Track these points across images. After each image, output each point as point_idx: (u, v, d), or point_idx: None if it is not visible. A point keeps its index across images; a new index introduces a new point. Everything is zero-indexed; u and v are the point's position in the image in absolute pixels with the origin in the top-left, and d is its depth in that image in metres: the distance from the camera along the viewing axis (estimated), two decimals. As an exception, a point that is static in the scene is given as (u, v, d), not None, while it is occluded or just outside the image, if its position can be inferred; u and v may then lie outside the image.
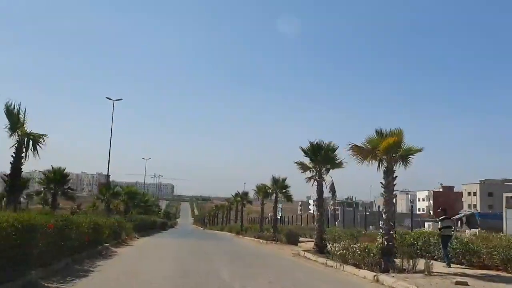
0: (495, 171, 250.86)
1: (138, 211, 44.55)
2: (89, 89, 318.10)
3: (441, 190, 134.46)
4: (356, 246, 13.93)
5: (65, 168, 30.45)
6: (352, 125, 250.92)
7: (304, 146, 19.81)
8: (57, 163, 23.41)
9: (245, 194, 47.07)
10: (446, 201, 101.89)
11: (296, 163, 20.22)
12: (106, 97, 47.95)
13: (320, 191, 19.46)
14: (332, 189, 17.16)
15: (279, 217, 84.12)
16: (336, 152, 19.38)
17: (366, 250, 13.25)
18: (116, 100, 48.22)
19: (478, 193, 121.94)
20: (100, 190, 32.55)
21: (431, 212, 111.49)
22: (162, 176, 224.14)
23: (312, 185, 19.59)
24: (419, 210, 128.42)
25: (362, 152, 13.78)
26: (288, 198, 30.90)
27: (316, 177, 19.52)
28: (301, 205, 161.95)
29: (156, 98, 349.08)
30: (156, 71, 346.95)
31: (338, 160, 19.38)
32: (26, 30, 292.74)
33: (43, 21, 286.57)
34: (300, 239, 27.36)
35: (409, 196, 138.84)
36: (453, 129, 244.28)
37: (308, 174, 19.88)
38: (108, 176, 48.62)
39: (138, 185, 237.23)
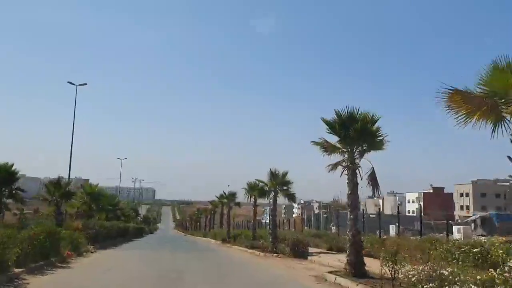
0: (482, 171, 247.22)
1: (106, 216, 37.71)
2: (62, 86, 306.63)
3: (431, 191, 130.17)
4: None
5: (12, 165, 24.04)
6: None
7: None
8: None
9: (232, 194, 40.36)
10: (438, 202, 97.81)
11: (315, 143, 13.70)
12: (68, 82, 41.44)
13: (353, 184, 12.94)
14: (373, 180, 11.41)
15: (264, 221, 78.03)
16: (377, 125, 13.03)
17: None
18: (79, 85, 41.40)
19: (470, 194, 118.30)
20: (47, 190, 25.46)
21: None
22: (143, 180, 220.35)
23: (341, 174, 13.10)
24: (408, 212, 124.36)
25: (471, 101, 7.33)
26: (291, 197, 24.29)
27: (347, 163, 13.04)
28: (285, 208, 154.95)
29: (138, 100, 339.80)
30: (136, 71, 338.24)
31: (380, 138, 13.06)
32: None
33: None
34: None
35: (397, 197, 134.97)
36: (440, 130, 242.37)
37: (333, 158, 13.47)
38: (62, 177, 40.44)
39: (120, 188, 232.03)
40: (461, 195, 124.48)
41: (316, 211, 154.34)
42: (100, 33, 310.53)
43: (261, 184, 26.51)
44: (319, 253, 21.58)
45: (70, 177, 33.60)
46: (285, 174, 23.79)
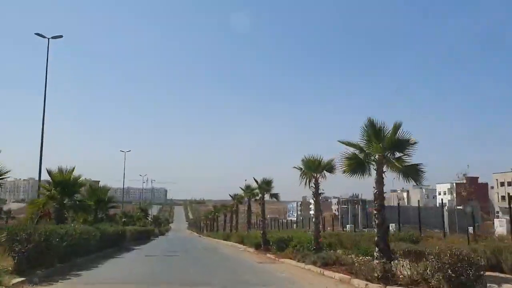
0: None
1: (93, 218, 26.45)
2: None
3: (464, 181, 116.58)
4: None
5: None
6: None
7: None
8: None
9: (268, 182, 28.74)
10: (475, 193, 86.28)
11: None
12: (35, 33, 30.07)
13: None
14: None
15: (289, 220, 66.27)
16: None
17: None
18: (52, 37, 30.11)
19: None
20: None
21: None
22: (154, 180, 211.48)
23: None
24: (439, 205, 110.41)
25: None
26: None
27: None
28: (300, 205, 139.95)
29: (151, 99, 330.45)
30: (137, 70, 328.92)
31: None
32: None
33: None
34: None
35: (423, 190, 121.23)
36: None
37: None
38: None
39: (131, 190, 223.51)
40: (502, 184, 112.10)
41: (335, 207, 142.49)
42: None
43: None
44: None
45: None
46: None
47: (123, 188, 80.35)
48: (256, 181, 29.93)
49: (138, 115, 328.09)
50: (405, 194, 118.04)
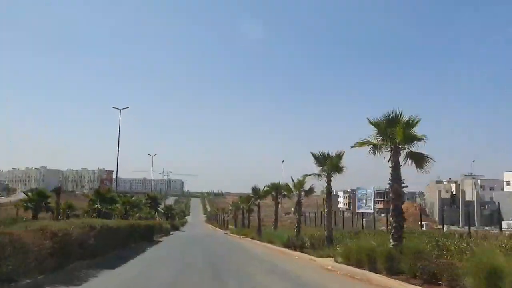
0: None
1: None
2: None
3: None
4: None
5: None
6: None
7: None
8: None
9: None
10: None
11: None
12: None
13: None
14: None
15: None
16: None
17: None
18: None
19: None
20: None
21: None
22: (171, 172, 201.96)
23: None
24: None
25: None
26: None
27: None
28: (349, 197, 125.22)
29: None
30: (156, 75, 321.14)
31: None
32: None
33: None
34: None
35: (477, 180, 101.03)
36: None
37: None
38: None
39: (146, 181, 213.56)
40: None
41: (341, 200, 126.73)
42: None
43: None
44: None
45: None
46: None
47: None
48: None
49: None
50: (453, 185, 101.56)
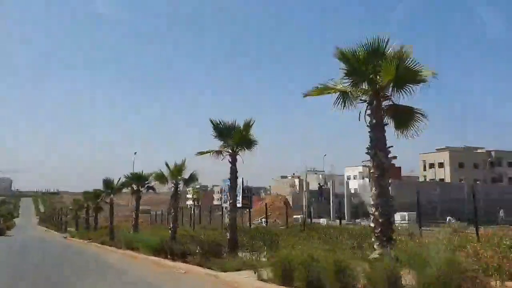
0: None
1: None
2: None
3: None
4: None
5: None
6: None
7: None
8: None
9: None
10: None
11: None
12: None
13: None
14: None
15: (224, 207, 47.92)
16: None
17: None
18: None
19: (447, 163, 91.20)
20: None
21: None
22: None
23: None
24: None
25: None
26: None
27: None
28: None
29: None
30: None
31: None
32: None
33: None
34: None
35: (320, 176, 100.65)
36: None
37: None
38: None
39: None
40: (431, 166, 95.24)
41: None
42: None
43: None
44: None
45: None
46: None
47: None
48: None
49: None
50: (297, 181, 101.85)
